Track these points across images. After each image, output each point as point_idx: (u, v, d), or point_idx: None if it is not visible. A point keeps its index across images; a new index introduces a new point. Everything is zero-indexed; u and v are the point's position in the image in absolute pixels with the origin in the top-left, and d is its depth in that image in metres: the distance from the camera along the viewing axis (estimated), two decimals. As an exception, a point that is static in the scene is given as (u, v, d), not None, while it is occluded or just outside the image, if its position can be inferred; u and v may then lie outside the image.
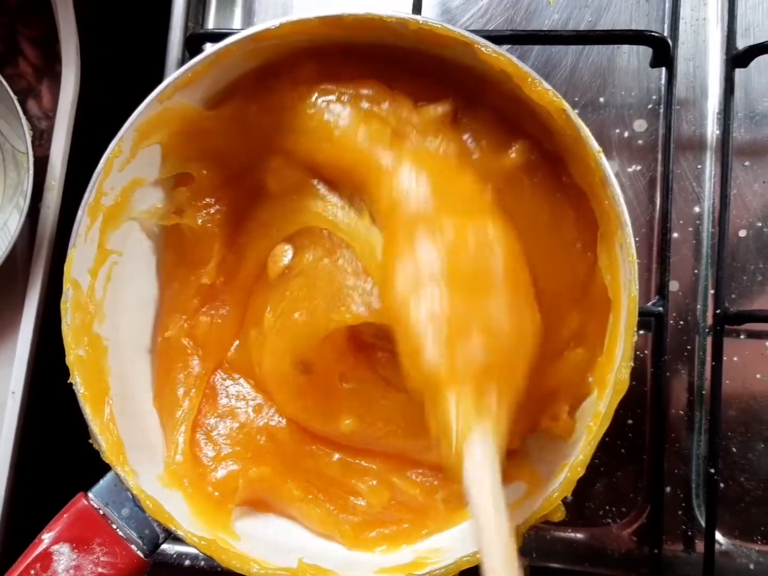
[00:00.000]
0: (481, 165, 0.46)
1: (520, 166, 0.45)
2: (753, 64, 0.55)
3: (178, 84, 0.45)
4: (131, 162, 0.47)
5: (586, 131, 0.41)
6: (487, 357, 0.39)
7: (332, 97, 0.46)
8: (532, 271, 0.44)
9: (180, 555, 0.58)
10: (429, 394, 0.39)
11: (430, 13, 0.62)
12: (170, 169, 0.49)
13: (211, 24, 0.65)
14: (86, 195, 0.46)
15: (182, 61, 0.61)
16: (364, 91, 0.46)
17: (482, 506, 0.36)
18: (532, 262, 0.44)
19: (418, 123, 0.45)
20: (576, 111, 0.57)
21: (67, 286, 0.45)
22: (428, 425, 0.39)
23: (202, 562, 0.58)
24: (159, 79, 0.61)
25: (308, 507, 0.49)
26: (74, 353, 0.45)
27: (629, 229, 0.41)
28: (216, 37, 0.59)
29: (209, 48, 0.45)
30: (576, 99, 0.59)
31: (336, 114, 0.46)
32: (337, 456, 0.51)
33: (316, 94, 0.46)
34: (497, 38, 0.55)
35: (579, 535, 0.56)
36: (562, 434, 0.45)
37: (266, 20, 0.63)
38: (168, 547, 0.58)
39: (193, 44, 0.60)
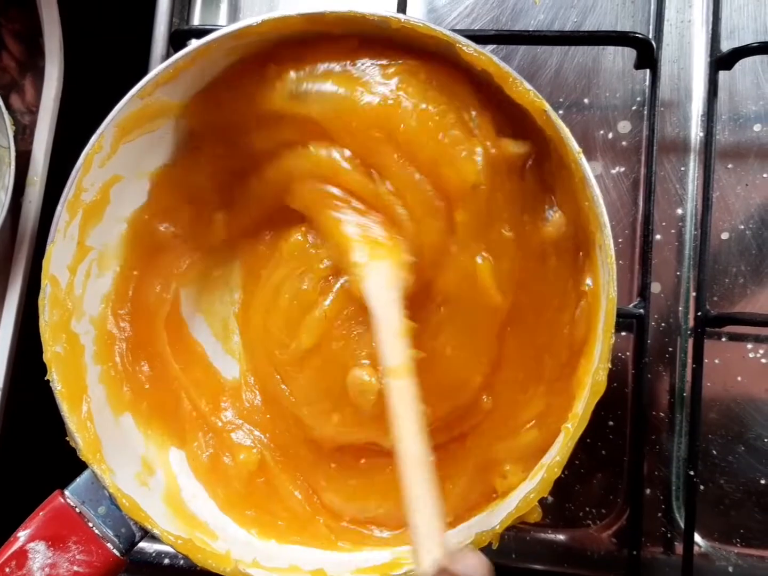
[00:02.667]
0: (523, 228, 0.45)
1: (554, 241, 0.45)
2: (737, 66, 0.55)
3: (159, 80, 0.45)
4: (112, 158, 0.46)
5: (566, 132, 0.41)
6: None
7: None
8: (518, 357, 0.47)
9: (159, 553, 0.58)
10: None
11: (416, 12, 0.62)
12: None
13: (196, 20, 0.65)
14: (65, 191, 0.45)
15: (167, 57, 0.60)
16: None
17: (381, 311, 0.43)
18: (523, 349, 0.47)
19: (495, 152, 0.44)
20: (560, 112, 0.58)
21: (45, 283, 0.45)
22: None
23: (181, 561, 0.57)
24: (143, 74, 0.60)
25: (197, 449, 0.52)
26: (52, 350, 0.45)
27: (608, 231, 0.41)
28: (200, 33, 0.59)
29: (190, 45, 0.45)
30: (561, 100, 0.59)
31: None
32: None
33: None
34: (482, 38, 0.55)
35: (558, 537, 0.56)
36: (510, 489, 0.45)
37: (252, 16, 0.64)
38: (147, 546, 0.58)
39: (177, 40, 0.60)
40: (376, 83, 0.44)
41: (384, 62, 0.45)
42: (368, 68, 0.45)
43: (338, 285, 0.49)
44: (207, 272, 0.54)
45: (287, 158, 0.49)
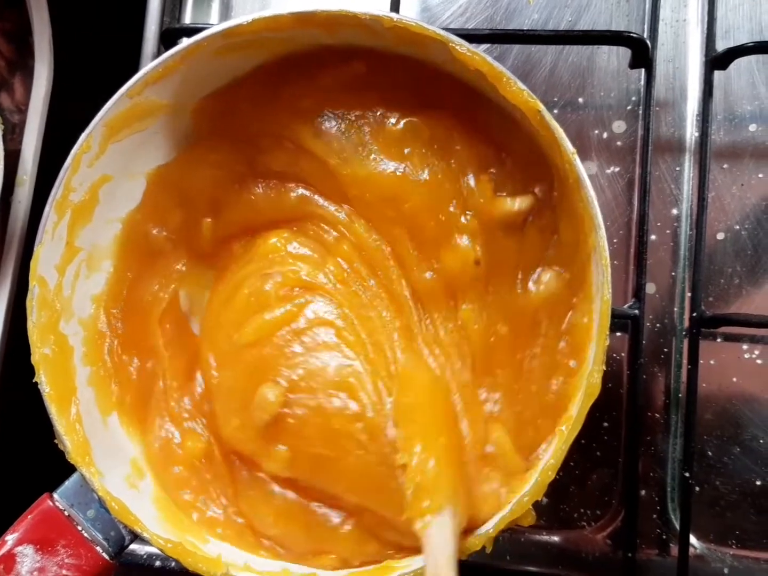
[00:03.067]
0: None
1: (546, 303, 0.45)
2: (732, 66, 0.55)
3: (148, 80, 0.45)
4: (100, 158, 0.46)
5: (560, 133, 0.41)
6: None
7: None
8: None
9: (150, 555, 0.57)
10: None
11: (409, 11, 0.61)
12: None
13: (187, 18, 0.64)
14: (53, 191, 0.45)
15: (157, 56, 0.59)
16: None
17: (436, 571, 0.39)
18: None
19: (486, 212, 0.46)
20: (555, 111, 0.58)
21: (33, 284, 0.45)
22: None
23: (173, 563, 0.57)
24: (134, 73, 0.60)
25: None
26: (40, 352, 0.44)
27: (603, 232, 0.40)
28: (191, 31, 0.58)
29: (180, 44, 0.45)
30: (555, 99, 0.58)
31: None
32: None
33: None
34: (476, 37, 0.55)
35: (553, 538, 0.56)
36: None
37: (244, 14, 0.63)
38: (138, 548, 0.57)
39: (168, 39, 0.59)
40: (387, 145, 0.46)
41: (394, 118, 0.47)
42: (379, 125, 0.47)
43: (302, 300, 0.48)
44: (199, 273, 0.54)
45: (307, 203, 0.50)
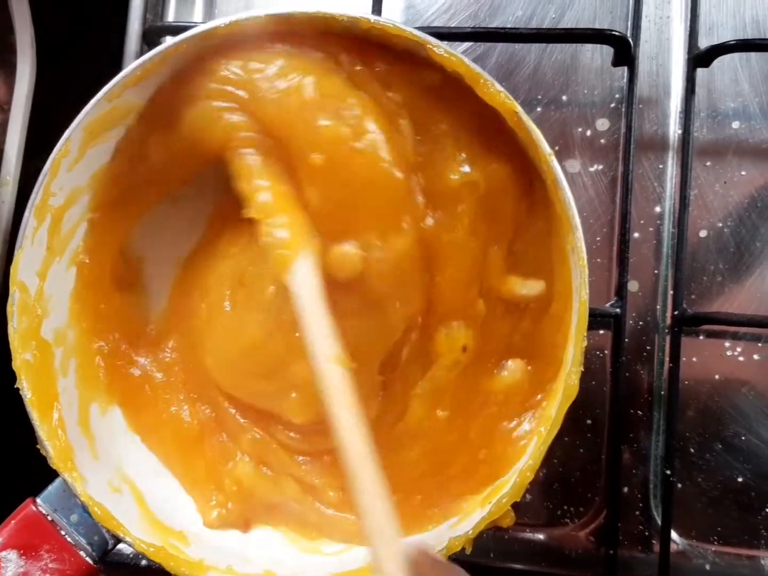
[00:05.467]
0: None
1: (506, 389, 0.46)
2: (716, 63, 0.55)
3: (127, 82, 0.44)
4: (80, 162, 0.46)
5: (538, 134, 0.41)
6: None
7: None
8: None
9: (136, 555, 0.57)
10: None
11: (393, 8, 0.61)
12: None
13: (170, 16, 0.64)
14: (32, 196, 0.44)
15: (141, 54, 0.60)
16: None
17: (307, 307, 0.40)
18: None
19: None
20: (538, 109, 0.58)
21: (13, 289, 0.44)
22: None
23: (159, 563, 0.57)
24: (117, 71, 0.60)
25: None
26: (21, 357, 0.44)
27: (580, 233, 0.41)
28: (174, 30, 0.58)
29: (160, 45, 0.44)
30: (539, 97, 0.58)
31: None
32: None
33: None
34: (458, 35, 0.55)
35: (536, 535, 0.56)
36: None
37: (228, 13, 0.63)
38: (124, 547, 0.57)
39: (151, 37, 0.59)
40: (442, 196, 0.43)
41: (456, 160, 0.43)
42: (440, 168, 0.43)
43: None
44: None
45: None
